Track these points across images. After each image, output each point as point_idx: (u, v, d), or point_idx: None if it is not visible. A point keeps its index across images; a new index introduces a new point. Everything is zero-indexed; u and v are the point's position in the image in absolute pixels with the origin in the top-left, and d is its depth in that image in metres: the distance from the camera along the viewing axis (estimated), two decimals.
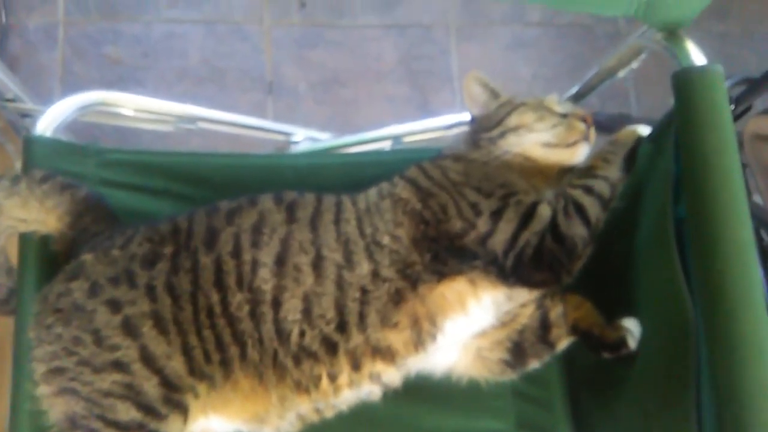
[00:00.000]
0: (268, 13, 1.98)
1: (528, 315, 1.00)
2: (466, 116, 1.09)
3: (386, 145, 1.25)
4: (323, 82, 1.95)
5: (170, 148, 1.78)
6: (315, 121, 1.91)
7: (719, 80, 0.76)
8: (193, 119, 1.12)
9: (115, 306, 0.87)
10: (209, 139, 1.76)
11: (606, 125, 2.00)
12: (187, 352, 0.88)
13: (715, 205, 0.73)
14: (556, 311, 1.00)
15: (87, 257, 0.91)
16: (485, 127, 1.03)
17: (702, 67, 0.79)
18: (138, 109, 1.09)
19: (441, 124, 1.20)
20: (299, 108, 1.92)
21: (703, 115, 0.75)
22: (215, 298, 0.89)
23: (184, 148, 1.78)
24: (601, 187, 0.94)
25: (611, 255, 0.98)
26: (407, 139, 1.24)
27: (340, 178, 1.11)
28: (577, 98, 1.12)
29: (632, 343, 0.94)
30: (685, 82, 0.79)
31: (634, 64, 0.99)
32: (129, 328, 0.86)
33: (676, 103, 0.81)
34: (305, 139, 1.31)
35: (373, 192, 1.00)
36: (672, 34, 0.86)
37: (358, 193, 1.01)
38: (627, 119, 2.05)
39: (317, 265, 0.91)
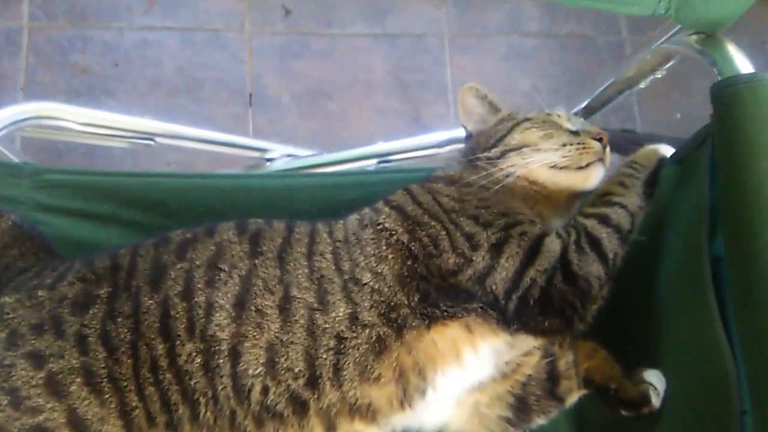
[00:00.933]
0: (250, 20, 1.86)
1: (533, 365, 0.86)
2: (461, 132, 0.95)
3: (371, 164, 1.11)
4: (308, 94, 1.82)
5: (144, 164, 1.66)
6: (299, 136, 1.78)
7: None
8: (151, 135, 0.98)
9: (37, 359, 0.73)
10: (188, 153, 1.63)
11: (611, 142, 1.89)
12: (125, 414, 0.74)
13: (765, 246, 0.59)
14: (565, 360, 0.86)
15: (7, 299, 0.76)
16: (483, 146, 0.89)
17: (750, 76, 0.65)
18: (86, 123, 0.95)
19: (433, 141, 1.07)
20: (282, 122, 1.78)
21: (752, 135, 0.62)
22: (161, 348, 0.75)
23: (159, 164, 1.66)
24: (619, 216, 0.81)
25: (630, 296, 0.84)
26: (396, 158, 1.10)
27: (317, 201, 0.97)
28: (587, 112, 0.98)
29: (656, 401, 0.80)
30: (728, 95, 0.65)
31: (660, 73, 0.86)
32: (54, 387, 0.72)
33: (716, 120, 0.68)
34: (282, 156, 1.17)
35: (353, 220, 0.87)
36: (709, 37, 0.72)
37: (336, 220, 0.87)
38: (633, 136, 1.94)
39: (285, 307, 0.77)
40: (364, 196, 0.93)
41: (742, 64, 0.69)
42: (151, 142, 1.01)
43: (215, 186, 0.93)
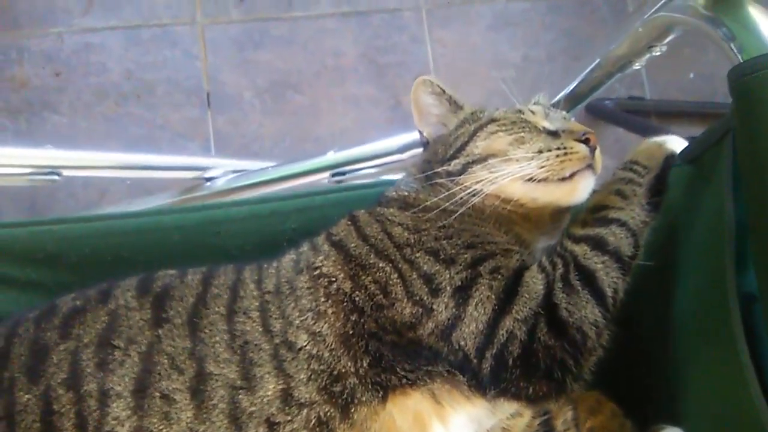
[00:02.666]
0: (201, 10, 1.67)
1: (523, 428, 0.69)
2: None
3: (324, 177, 0.94)
4: (272, 88, 1.64)
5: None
6: (265, 135, 1.60)
7: None
8: (54, 168, 0.82)
9: None
10: None
11: (616, 115, 1.68)
12: None
13: None
14: (563, 419, 0.70)
15: None
16: (442, 157, 0.72)
17: None
18: None
19: (392, 147, 0.88)
20: (244, 122, 1.60)
21: None
22: None
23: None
24: (618, 238, 0.63)
25: (640, 335, 0.66)
26: (352, 168, 0.92)
27: (252, 235, 0.80)
28: (573, 100, 0.79)
29: None
30: (754, 83, 0.46)
31: (658, 50, 0.66)
32: None
33: (737, 115, 0.49)
34: (225, 173, 0.99)
35: (288, 261, 0.70)
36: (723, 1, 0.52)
37: (271, 261, 0.70)
38: (640, 104, 1.73)
39: (198, 389, 0.62)
40: (309, 223, 0.78)
41: None
42: (56, 177, 0.84)
43: (120, 229, 0.76)
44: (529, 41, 1.78)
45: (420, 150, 0.80)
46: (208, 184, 0.99)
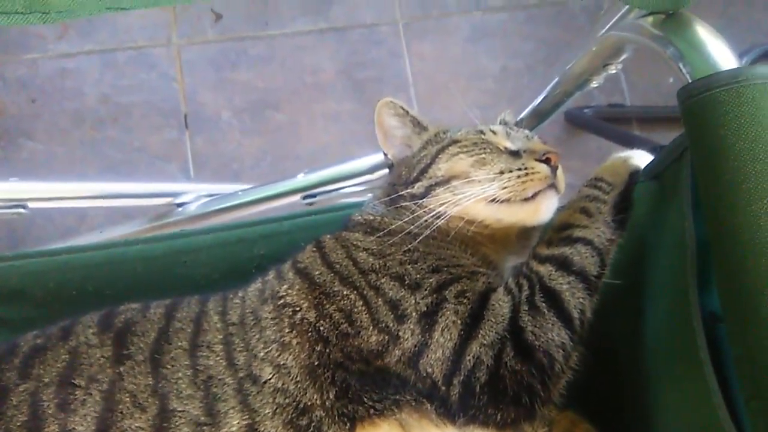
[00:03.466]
0: (177, 31, 1.66)
1: None
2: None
3: (296, 199, 0.93)
4: (250, 107, 1.63)
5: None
6: (244, 155, 1.59)
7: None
8: (20, 201, 0.80)
9: None
10: None
11: (595, 124, 1.68)
12: None
13: None
14: None
15: None
16: (405, 179, 0.71)
17: (731, 74, 0.44)
18: None
19: (363, 167, 0.88)
20: (223, 142, 1.59)
21: (741, 163, 0.42)
22: None
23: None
24: (583, 258, 0.62)
25: (608, 352, 0.65)
26: (323, 189, 0.91)
27: (219, 263, 0.79)
28: (538, 117, 0.78)
29: None
30: (702, 104, 0.45)
31: (614, 68, 0.66)
32: None
33: (690, 138, 0.48)
34: (197, 197, 0.98)
35: (253, 291, 0.69)
36: (670, 17, 0.51)
37: (236, 291, 0.69)
38: (621, 111, 1.73)
39: (161, 427, 0.61)
40: (277, 249, 0.77)
41: (720, 53, 0.48)
42: (23, 210, 0.83)
43: (85, 263, 0.75)
44: (508, 52, 1.78)
45: (384, 171, 0.80)
46: (180, 209, 0.98)
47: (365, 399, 0.61)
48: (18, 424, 0.60)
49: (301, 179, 0.90)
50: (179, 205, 0.98)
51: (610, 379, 0.68)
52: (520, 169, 0.64)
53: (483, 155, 0.66)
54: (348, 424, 0.60)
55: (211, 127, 1.61)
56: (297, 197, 0.91)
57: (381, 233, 0.67)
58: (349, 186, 0.88)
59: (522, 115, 0.77)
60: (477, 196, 0.64)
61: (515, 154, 0.67)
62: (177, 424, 0.60)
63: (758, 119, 0.42)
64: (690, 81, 0.47)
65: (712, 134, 0.43)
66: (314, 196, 0.90)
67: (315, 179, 0.89)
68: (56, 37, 1.63)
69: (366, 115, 1.76)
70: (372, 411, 0.61)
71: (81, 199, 0.88)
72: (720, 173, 0.43)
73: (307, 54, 1.70)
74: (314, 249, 0.69)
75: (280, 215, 0.82)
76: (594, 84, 0.70)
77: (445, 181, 0.66)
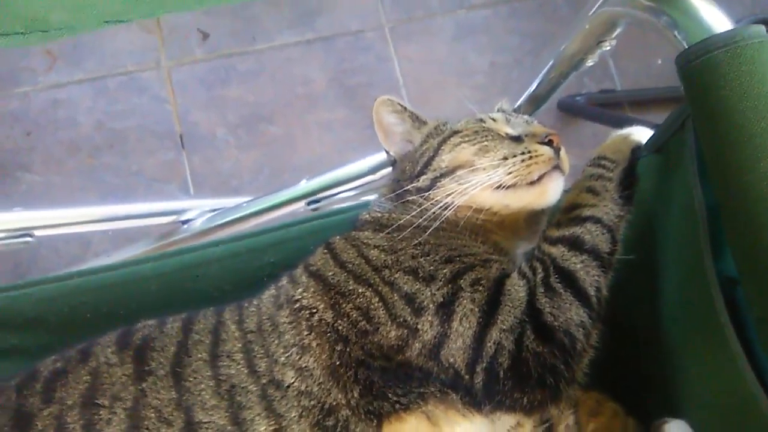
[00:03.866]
0: (165, 53, 1.67)
1: None
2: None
3: (300, 206, 0.93)
4: (244, 122, 1.63)
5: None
6: (242, 171, 1.60)
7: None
8: (26, 230, 0.80)
9: None
10: None
11: (588, 110, 1.69)
12: None
13: None
14: (566, 423, 0.69)
15: None
16: (410, 174, 0.71)
17: (727, 36, 0.44)
18: None
19: (365, 168, 0.88)
20: (220, 159, 1.60)
21: (743, 121, 0.42)
22: None
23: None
24: (594, 236, 0.62)
25: (631, 326, 0.65)
26: (327, 194, 0.91)
27: (231, 274, 0.79)
28: (535, 102, 0.79)
29: None
30: (700, 67, 0.45)
31: (608, 45, 0.67)
32: None
33: (691, 103, 0.48)
34: (201, 213, 0.98)
35: (268, 298, 0.69)
36: None
37: (251, 299, 0.69)
38: (612, 96, 1.74)
39: None
40: (287, 256, 0.77)
41: (713, 17, 0.48)
42: (29, 239, 0.83)
43: (98, 284, 0.75)
44: (495, 47, 1.79)
45: (387, 170, 0.80)
46: (185, 226, 0.98)
47: (390, 395, 0.61)
48: None
49: (304, 186, 0.90)
50: (184, 222, 0.98)
51: (631, 356, 0.68)
52: (523, 153, 0.64)
53: (485, 143, 0.66)
54: (375, 421, 0.60)
55: (207, 145, 1.61)
56: (301, 204, 0.91)
57: (390, 229, 0.67)
58: (352, 188, 0.88)
59: (518, 103, 0.78)
60: (483, 184, 0.65)
61: (517, 139, 0.67)
62: None
63: (759, 77, 0.42)
64: (686, 47, 0.48)
65: (713, 96, 0.44)
66: (318, 201, 0.90)
67: (317, 184, 0.89)
68: (46, 68, 1.63)
69: (359, 121, 1.77)
70: (398, 406, 0.61)
71: (86, 224, 0.88)
72: (725, 134, 0.43)
73: (296, 65, 1.71)
74: (325, 251, 0.69)
75: (287, 222, 0.82)
76: (589, 63, 0.70)
77: (450, 171, 0.67)
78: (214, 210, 1.02)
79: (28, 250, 1.45)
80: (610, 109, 1.64)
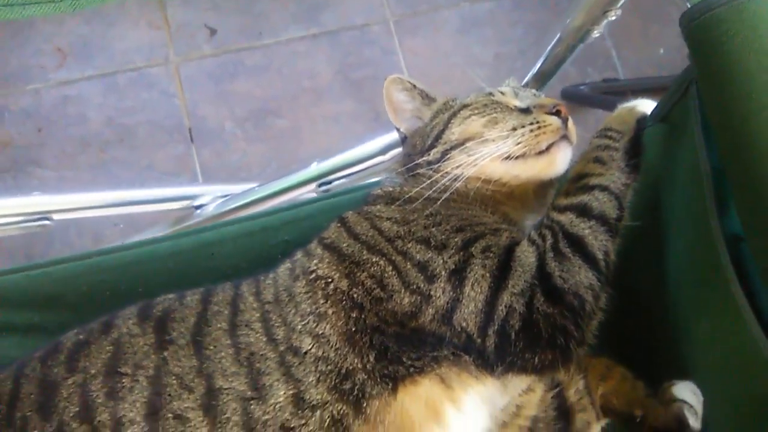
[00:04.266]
0: (173, 49, 1.69)
1: (536, 403, 0.69)
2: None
3: (311, 189, 0.95)
4: (252, 115, 1.66)
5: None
6: (251, 163, 1.62)
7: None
8: (44, 213, 0.82)
9: None
10: None
11: (592, 98, 1.70)
12: None
13: None
14: (575, 388, 0.70)
15: None
16: (421, 148, 0.73)
17: None
18: None
19: (374, 149, 0.90)
20: (229, 152, 1.62)
21: (747, 75, 0.44)
22: None
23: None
24: (601, 203, 0.64)
25: (638, 292, 0.67)
26: (337, 176, 0.93)
27: (246, 252, 0.81)
28: (542, 79, 0.81)
29: (694, 422, 0.64)
30: (704, 25, 0.47)
31: (613, 14, 0.68)
32: None
33: (695, 61, 0.50)
34: (214, 199, 1.00)
35: (284, 270, 0.71)
36: None
37: (267, 273, 0.71)
38: (615, 85, 1.75)
39: (210, 405, 0.62)
40: (300, 234, 0.79)
41: None
42: (48, 222, 0.85)
43: (116, 263, 0.77)
44: (499, 39, 1.81)
45: (397, 151, 0.82)
46: (198, 211, 1.00)
47: (404, 359, 0.62)
48: (71, 415, 0.62)
49: (315, 168, 0.92)
50: (197, 207, 1.00)
51: (639, 321, 0.69)
52: (532, 124, 0.66)
53: (494, 114, 0.68)
54: (390, 384, 0.62)
55: (215, 139, 1.63)
56: (312, 186, 0.93)
57: (401, 201, 0.69)
58: (362, 170, 0.90)
59: (526, 80, 0.80)
60: (492, 155, 0.66)
61: (525, 110, 0.69)
62: (225, 401, 0.62)
63: (762, 32, 0.44)
64: (690, 6, 0.50)
65: (717, 52, 0.46)
66: (329, 183, 0.92)
67: (328, 166, 0.91)
68: (56, 65, 1.66)
69: (365, 113, 1.79)
70: (412, 369, 0.62)
71: (102, 208, 0.90)
72: (729, 88, 0.45)
73: (302, 59, 1.73)
74: (339, 224, 0.71)
75: (300, 201, 0.84)
76: (595, 34, 0.72)
77: (460, 143, 0.68)
78: (226, 195, 1.04)
79: (41, 243, 1.48)
80: (613, 97, 1.65)
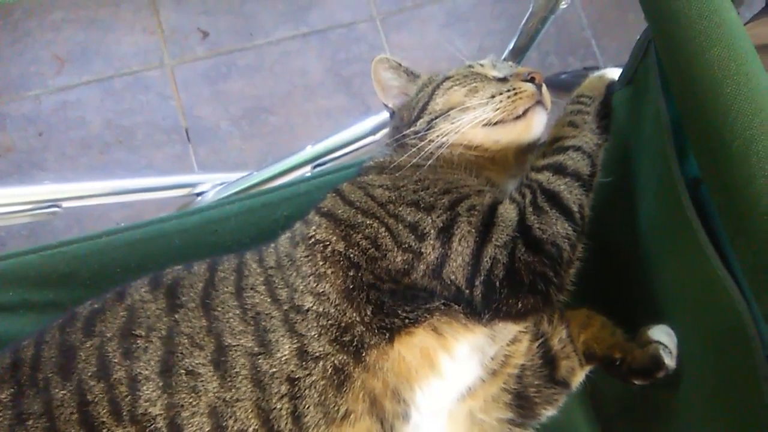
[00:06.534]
0: (168, 52, 1.74)
1: (523, 352, 0.74)
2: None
3: (307, 171, 1.00)
4: (247, 114, 1.71)
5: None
6: (247, 159, 1.67)
7: None
8: (53, 201, 0.87)
9: None
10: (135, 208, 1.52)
11: (574, 85, 1.76)
12: None
13: (751, 157, 0.47)
14: (558, 337, 0.75)
15: None
16: (408, 121, 0.78)
17: None
18: None
19: (365, 130, 0.95)
20: (225, 150, 1.67)
21: (691, 23, 0.49)
22: None
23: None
24: (575, 161, 0.69)
25: (614, 248, 0.72)
26: (331, 157, 0.98)
27: (248, 228, 0.86)
28: (518, 53, 0.86)
29: (669, 361, 0.69)
30: None
31: None
32: None
33: (648, 16, 0.55)
34: (213, 186, 1.05)
35: (284, 240, 0.76)
36: None
37: (268, 244, 0.76)
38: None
39: (220, 361, 0.66)
40: (299, 209, 0.83)
41: None
42: (57, 209, 0.89)
43: (126, 241, 0.82)
44: (482, 32, 1.87)
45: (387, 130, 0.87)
46: (199, 198, 1.05)
47: (399, 312, 0.67)
48: (89, 374, 0.66)
49: (309, 150, 0.97)
50: (198, 194, 1.04)
51: (616, 273, 0.74)
52: (509, 91, 0.71)
53: (475, 84, 0.73)
54: (387, 335, 0.66)
55: (212, 137, 1.68)
56: (308, 168, 0.98)
57: (391, 170, 0.74)
58: (354, 149, 0.95)
59: (504, 56, 0.85)
60: (473, 121, 0.72)
61: (503, 80, 0.74)
62: (234, 356, 0.66)
63: None
64: None
65: (664, 5, 0.51)
66: (323, 164, 0.97)
67: (322, 148, 0.96)
68: (54, 72, 1.71)
69: (356, 106, 1.84)
70: (407, 321, 0.67)
71: (108, 196, 0.95)
72: (675, 34, 0.50)
73: (293, 58, 1.78)
74: (334, 194, 0.76)
75: (297, 179, 0.89)
76: (563, 5, 0.77)
77: (444, 112, 0.74)
78: (224, 183, 1.08)
79: (51, 236, 1.52)
80: None
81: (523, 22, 0.80)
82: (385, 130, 0.94)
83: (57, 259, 0.81)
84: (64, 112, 1.67)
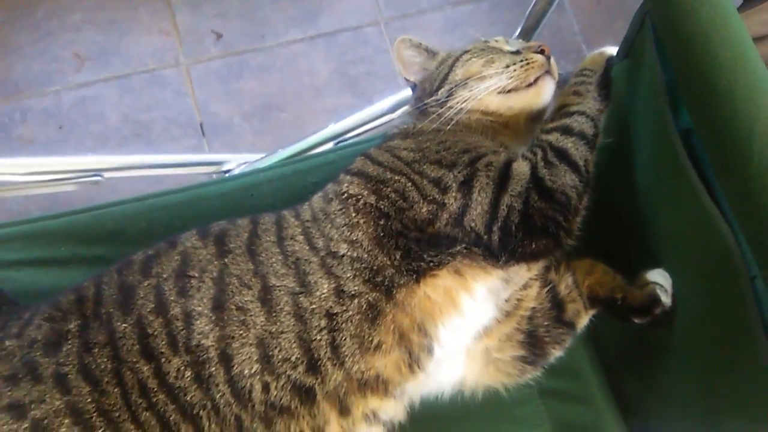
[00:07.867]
0: (183, 52, 1.83)
1: (534, 296, 0.82)
2: (408, 92, 0.92)
3: (328, 147, 1.08)
4: (258, 110, 1.79)
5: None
6: (258, 152, 1.74)
7: None
8: (97, 171, 0.95)
9: (18, 410, 0.68)
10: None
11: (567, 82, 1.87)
12: None
13: (734, 95, 0.56)
14: (565, 283, 0.83)
15: None
16: (430, 91, 0.87)
17: None
18: (28, 172, 0.91)
19: (384, 108, 1.04)
20: (238, 143, 1.75)
21: None
22: (146, 370, 0.71)
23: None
24: (580, 123, 0.78)
25: (615, 203, 0.81)
26: (351, 135, 1.07)
27: (280, 193, 0.94)
28: (526, 34, 0.96)
29: (665, 298, 0.77)
30: None
31: None
32: None
33: None
34: (238, 165, 1.13)
35: (317, 198, 0.83)
36: None
37: (302, 204, 0.84)
38: None
39: (266, 298, 0.74)
40: (326, 176, 0.90)
41: None
42: (100, 178, 0.97)
43: (170, 203, 0.89)
44: (479, 36, 1.97)
45: (404, 109, 0.95)
46: (227, 176, 1.13)
47: (425, 256, 0.74)
48: (148, 310, 0.73)
49: (331, 128, 1.05)
50: (225, 172, 1.12)
51: (616, 226, 0.83)
52: (522, 61, 0.81)
53: (491, 56, 0.83)
54: (414, 276, 0.74)
55: (225, 132, 1.76)
56: (330, 145, 1.06)
57: (415, 134, 0.83)
58: (374, 127, 1.03)
59: (514, 37, 0.94)
60: (489, 89, 0.81)
61: (515, 53, 0.84)
62: (278, 294, 0.74)
63: None
64: None
65: None
66: (345, 141, 1.05)
67: (343, 126, 1.05)
68: (74, 69, 1.78)
69: (362, 105, 1.91)
70: (432, 264, 0.74)
71: (145, 168, 1.02)
72: (671, 6, 0.59)
73: (302, 59, 1.88)
74: (363, 157, 0.84)
75: (326, 149, 0.97)
76: None
77: (463, 81, 0.83)
78: (249, 162, 1.16)
79: None
80: None
81: (531, 5, 0.90)
82: (404, 108, 1.03)
83: (106, 217, 0.88)
84: (83, 107, 1.75)
